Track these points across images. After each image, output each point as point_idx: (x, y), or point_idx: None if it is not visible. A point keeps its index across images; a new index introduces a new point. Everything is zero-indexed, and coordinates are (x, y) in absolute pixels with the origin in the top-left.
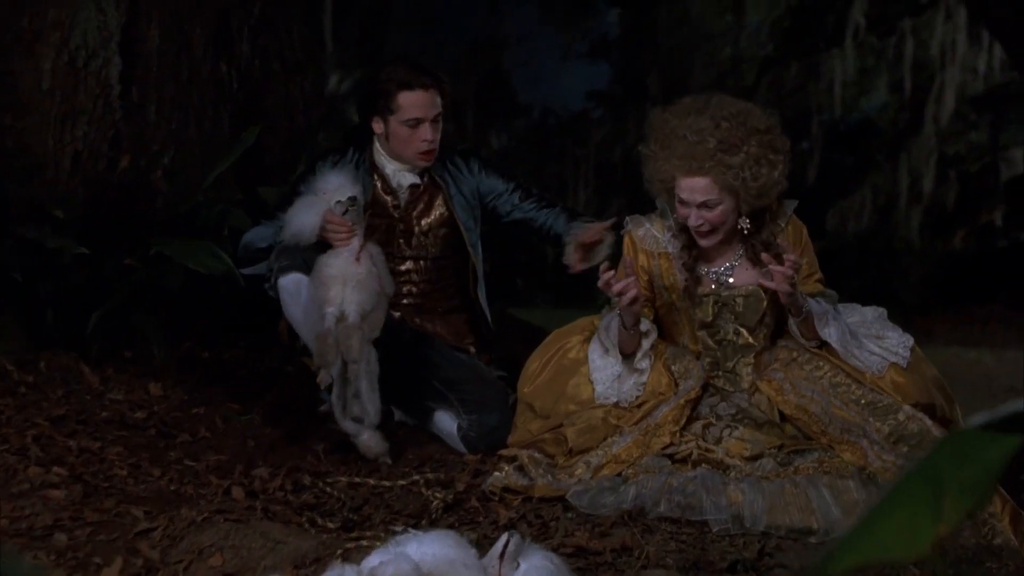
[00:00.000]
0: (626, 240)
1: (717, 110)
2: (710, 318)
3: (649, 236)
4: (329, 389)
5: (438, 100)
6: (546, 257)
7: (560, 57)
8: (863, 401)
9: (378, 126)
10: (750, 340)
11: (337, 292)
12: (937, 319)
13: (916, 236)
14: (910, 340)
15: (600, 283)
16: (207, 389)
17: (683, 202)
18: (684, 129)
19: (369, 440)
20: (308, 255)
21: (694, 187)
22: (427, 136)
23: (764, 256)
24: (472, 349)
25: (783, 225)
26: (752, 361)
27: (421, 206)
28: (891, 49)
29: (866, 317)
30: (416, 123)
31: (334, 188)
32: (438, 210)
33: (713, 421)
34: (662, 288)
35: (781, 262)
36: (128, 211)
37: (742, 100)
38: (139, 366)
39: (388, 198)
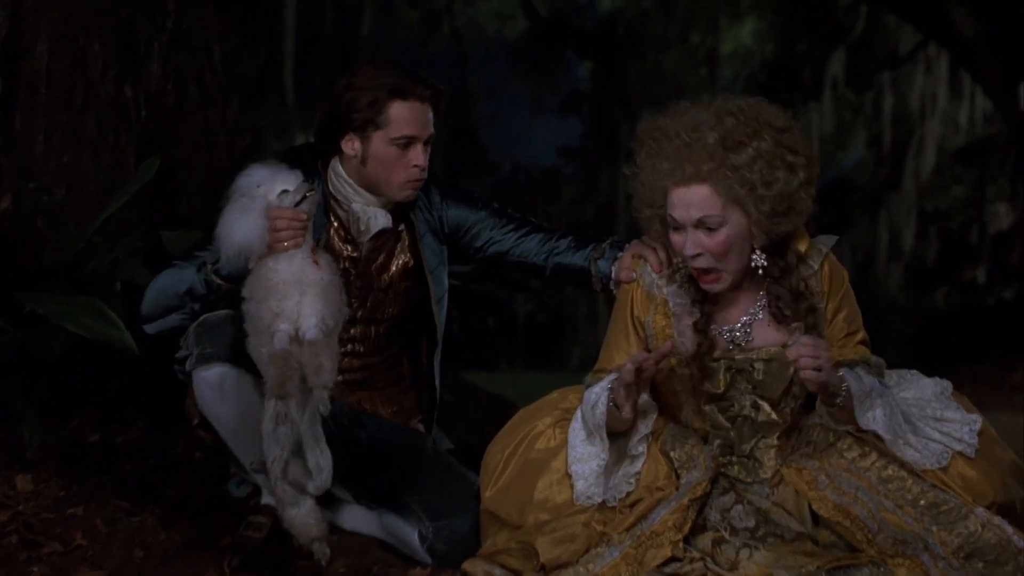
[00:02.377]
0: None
1: (721, 104)
2: (721, 389)
3: (647, 276)
4: (247, 475)
5: (432, 117)
6: (515, 314)
7: (530, 112)
8: (922, 502)
9: (352, 146)
10: (772, 416)
11: (293, 303)
12: None
13: (898, 293)
14: (978, 421)
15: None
16: (91, 482)
17: (676, 226)
18: (678, 127)
19: (308, 516)
20: (239, 335)
21: (688, 199)
22: (419, 160)
23: (790, 323)
24: (422, 428)
25: (815, 267)
26: (776, 443)
27: (383, 256)
28: (869, 103)
29: (925, 393)
30: (408, 143)
31: (267, 179)
32: (401, 258)
33: (726, 536)
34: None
35: (814, 321)
36: (4, 261)
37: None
38: (5, 453)
39: (344, 247)
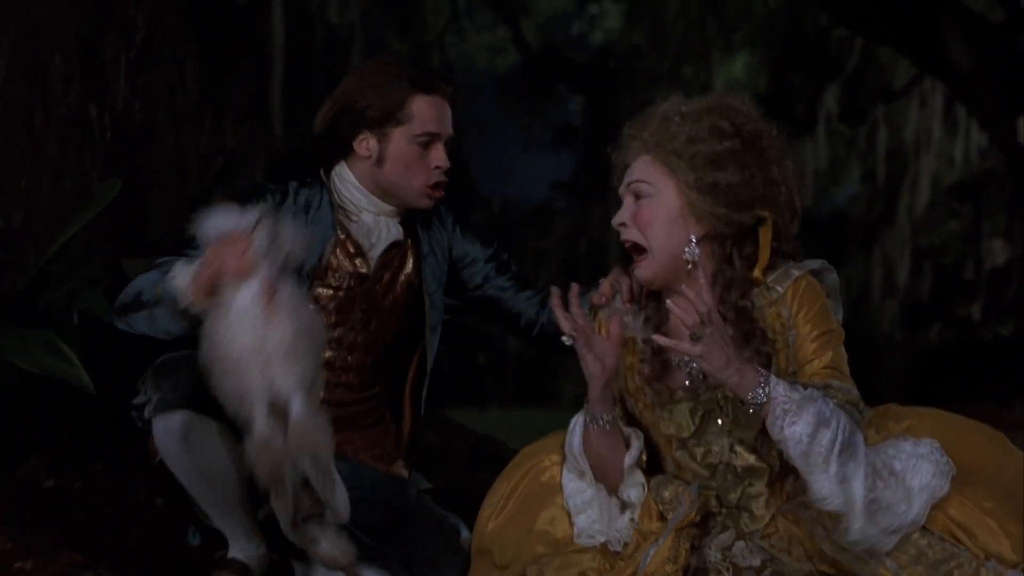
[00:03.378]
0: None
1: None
2: (688, 433)
3: (614, 305)
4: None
5: (451, 113)
6: (507, 350)
7: (521, 146)
8: (929, 556)
9: (366, 145)
10: (752, 460)
11: (257, 377)
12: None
13: (894, 329)
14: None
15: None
16: (42, 532)
17: (621, 198)
18: (642, 117)
19: (333, 547)
20: (201, 377)
21: (630, 170)
22: (441, 161)
23: (668, 303)
24: (405, 473)
25: (781, 291)
26: (765, 491)
27: (388, 274)
28: (863, 137)
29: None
30: (430, 141)
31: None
32: (402, 275)
33: None
34: (625, 394)
35: (757, 348)
36: None
37: None
38: None
39: (352, 263)
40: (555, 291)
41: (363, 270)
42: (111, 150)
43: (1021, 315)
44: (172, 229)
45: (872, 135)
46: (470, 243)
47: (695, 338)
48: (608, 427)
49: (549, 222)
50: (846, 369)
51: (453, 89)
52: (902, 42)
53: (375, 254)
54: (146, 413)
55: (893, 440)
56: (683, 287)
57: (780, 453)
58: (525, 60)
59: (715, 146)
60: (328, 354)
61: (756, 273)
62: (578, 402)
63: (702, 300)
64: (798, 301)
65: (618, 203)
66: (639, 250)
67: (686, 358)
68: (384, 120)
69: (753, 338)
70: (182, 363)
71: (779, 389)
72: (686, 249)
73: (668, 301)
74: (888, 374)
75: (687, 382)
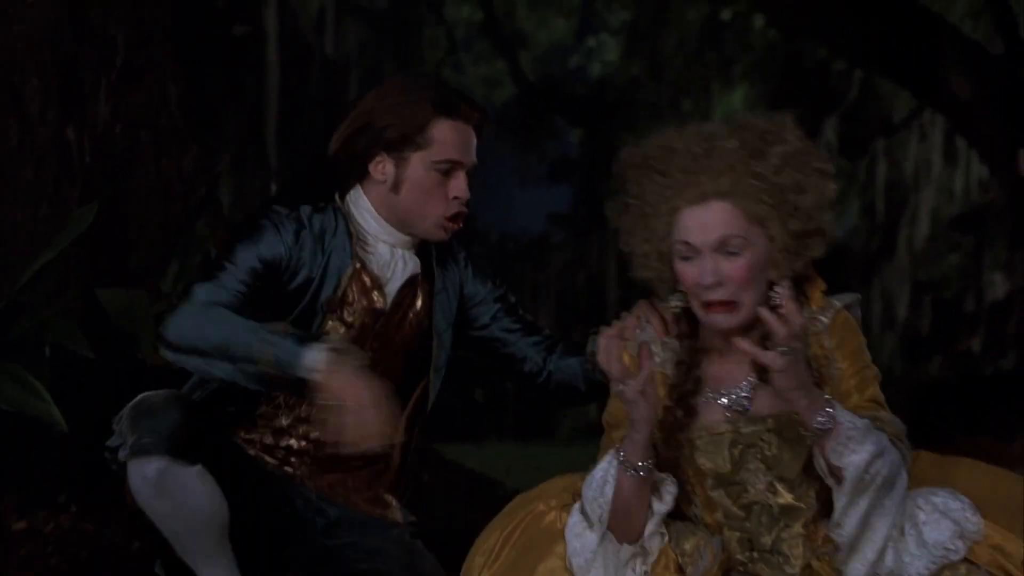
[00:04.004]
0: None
1: (725, 121)
2: (728, 468)
3: (646, 333)
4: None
5: (475, 141)
6: (505, 385)
7: (518, 179)
8: None
9: (382, 169)
10: (791, 499)
11: None
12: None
13: (894, 362)
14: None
15: (602, 353)
16: None
17: (687, 255)
18: (686, 140)
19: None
20: (181, 419)
21: (705, 219)
22: (461, 191)
23: (762, 312)
24: (399, 517)
25: (827, 322)
26: (803, 532)
27: (401, 312)
28: (863, 170)
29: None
30: (451, 168)
31: None
32: (412, 312)
33: None
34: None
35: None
36: None
37: None
38: None
39: (368, 297)
40: (607, 333)
41: (379, 305)
42: (90, 175)
43: (1022, 348)
44: (154, 258)
45: (872, 168)
46: (481, 282)
47: (783, 352)
48: (644, 474)
49: (547, 255)
50: (885, 404)
51: (480, 115)
52: (902, 74)
53: (392, 288)
54: (120, 456)
55: (928, 489)
56: (776, 300)
57: (818, 494)
58: (522, 93)
59: (818, 194)
60: None
61: (814, 303)
62: (575, 438)
63: (797, 315)
64: (839, 335)
65: (608, 239)
66: (727, 305)
67: (722, 392)
68: (403, 143)
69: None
70: (161, 404)
71: (844, 415)
72: (772, 294)
73: (737, 340)
74: (888, 408)
75: (727, 414)
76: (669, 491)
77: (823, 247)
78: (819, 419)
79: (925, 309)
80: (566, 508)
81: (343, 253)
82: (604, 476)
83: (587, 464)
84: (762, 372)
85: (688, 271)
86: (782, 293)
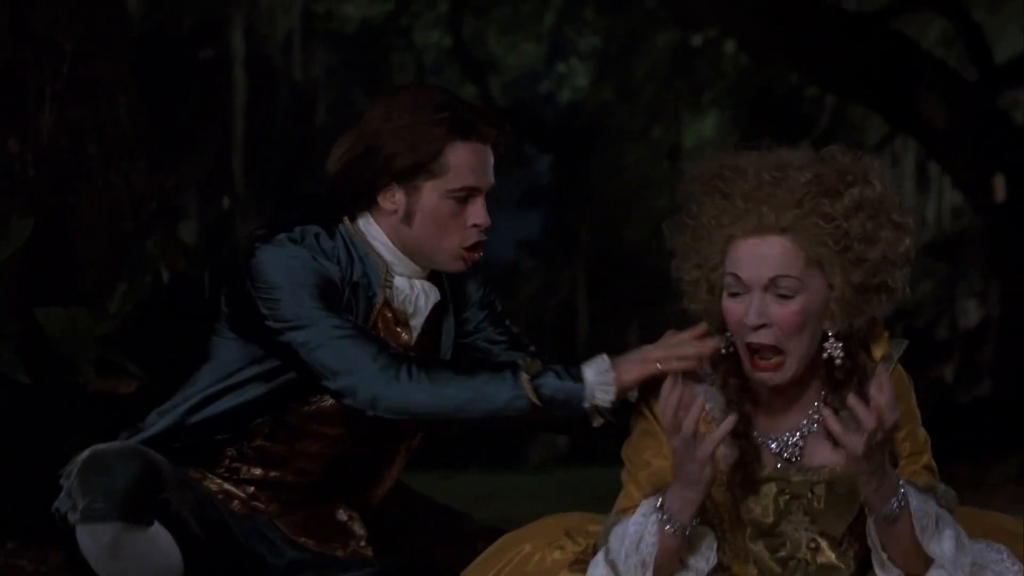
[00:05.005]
0: None
1: (810, 152)
2: (771, 519)
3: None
4: None
5: (492, 160)
6: None
7: (488, 205)
8: None
9: (392, 198)
10: (832, 559)
11: None
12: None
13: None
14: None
15: (668, 405)
16: None
17: (736, 291)
18: (758, 164)
19: None
20: (137, 476)
21: (761, 254)
22: (480, 218)
23: (851, 400)
24: (368, 554)
25: (889, 370)
26: None
27: (426, 343)
28: None
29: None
30: (468, 195)
31: None
32: (431, 343)
33: None
34: None
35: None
36: None
37: None
38: None
39: (393, 332)
40: (671, 382)
41: (404, 339)
42: (34, 189)
43: (996, 376)
44: (103, 278)
45: None
46: (470, 281)
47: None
48: (688, 533)
49: (516, 283)
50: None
51: (499, 132)
52: (875, 100)
53: (417, 323)
54: (71, 520)
55: (971, 541)
56: (829, 353)
57: (857, 553)
58: None
59: (889, 248)
60: (336, 430)
61: (878, 355)
62: (543, 467)
63: (891, 410)
64: (897, 390)
65: (578, 266)
66: (772, 351)
67: (772, 438)
68: (415, 171)
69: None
70: (116, 461)
71: (916, 499)
72: (827, 347)
73: (827, 414)
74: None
75: (778, 464)
76: (710, 546)
77: (888, 305)
78: (890, 506)
79: (898, 337)
80: (554, 546)
81: (374, 283)
82: (641, 531)
83: (557, 494)
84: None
85: (734, 308)
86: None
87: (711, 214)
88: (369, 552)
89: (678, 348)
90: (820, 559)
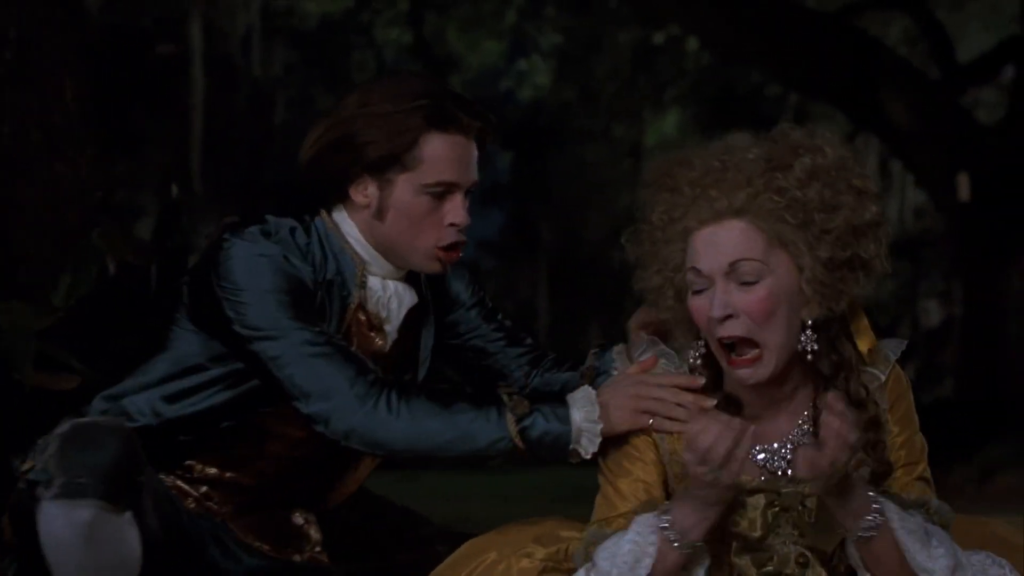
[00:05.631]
0: None
1: (758, 136)
2: (759, 532)
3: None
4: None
5: (476, 158)
6: None
7: None
8: None
9: (364, 191)
10: (823, 575)
11: None
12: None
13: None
14: None
15: (717, 439)
16: None
17: (699, 287)
18: (705, 153)
19: None
20: (122, 454)
21: (717, 240)
22: (458, 217)
23: (830, 397)
24: (325, 559)
25: (883, 377)
26: None
27: (401, 350)
28: None
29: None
30: (445, 191)
31: None
32: (408, 350)
33: None
34: (674, 482)
35: (877, 440)
36: None
37: None
38: None
39: (368, 337)
40: (708, 402)
41: (378, 346)
42: None
43: (958, 377)
44: (48, 271)
45: None
46: (457, 279)
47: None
48: (691, 551)
49: (476, 280)
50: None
51: (483, 123)
52: (838, 97)
53: (392, 328)
54: (43, 495)
55: (964, 553)
56: (827, 407)
57: (847, 570)
58: None
59: (852, 214)
60: (300, 432)
61: (864, 348)
62: (501, 466)
63: (850, 428)
64: (894, 394)
65: (538, 265)
66: (747, 345)
67: (758, 449)
68: (386, 163)
69: (870, 429)
70: (104, 435)
71: (894, 518)
72: (802, 338)
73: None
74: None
75: (762, 476)
76: (703, 564)
77: (867, 283)
78: (864, 524)
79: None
80: (523, 555)
81: (348, 282)
82: (638, 551)
83: (518, 495)
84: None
85: (699, 305)
86: (809, 337)
87: (662, 210)
88: (325, 558)
89: (674, 396)
90: (809, 574)
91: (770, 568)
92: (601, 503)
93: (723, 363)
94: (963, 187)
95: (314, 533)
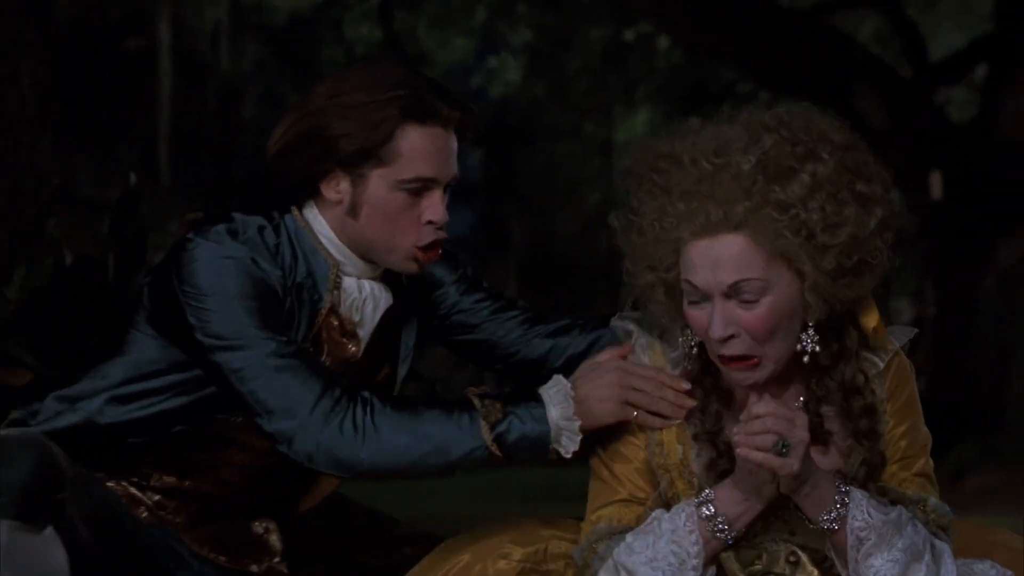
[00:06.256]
0: None
1: (754, 117)
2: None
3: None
4: None
5: (456, 150)
6: None
7: None
8: None
9: (336, 187)
10: (813, 574)
11: None
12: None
13: None
14: None
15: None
16: None
17: (696, 298)
18: (695, 152)
19: None
20: (42, 469)
21: (715, 257)
22: (437, 214)
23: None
24: (284, 569)
25: (882, 364)
26: None
27: (376, 357)
28: None
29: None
30: (423, 187)
31: None
32: (385, 356)
33: None
34: (661, 472)
35: (870, 428)
36: None
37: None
38: None
39: (340, 344)
40: (689, 401)
41: (351, 353)
42: None
43: (929, 377)
44: (2, 265)
45: None
46: (438, 263)
47: (780, 451)
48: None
49: None
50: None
51: (463, 113)
52: (810, 95)
53: (365, 332)
54: None
55: (964, 561)
56: (753, 401)
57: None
58: None
59: (859, 227)
60: (265, 443)
61: (871, 326)
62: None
63: (785, 411)
64: (894, 382)
65: (508, 262)
66: (746, 359)
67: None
68: (360, 157)
69: (863, 416)
70: (15, 450)
71: (857, 513)
72: (802, 339)
73: (736, 432)
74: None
75: None
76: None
77: (873, 281)
78: (826, 517)
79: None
80: (500, 557)
81: (321, 284)
82: (682, 552)
83: (486, 493)
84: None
85: (697, 316)
86: (809, 337)
87: (653, 216)
88: (284, 568)
89: (658, 389)
90: (799, 574)
91: (758, 566)
92: (598, 489)
93: (718, 364)
94: (935, 186)
95: (275, 542)
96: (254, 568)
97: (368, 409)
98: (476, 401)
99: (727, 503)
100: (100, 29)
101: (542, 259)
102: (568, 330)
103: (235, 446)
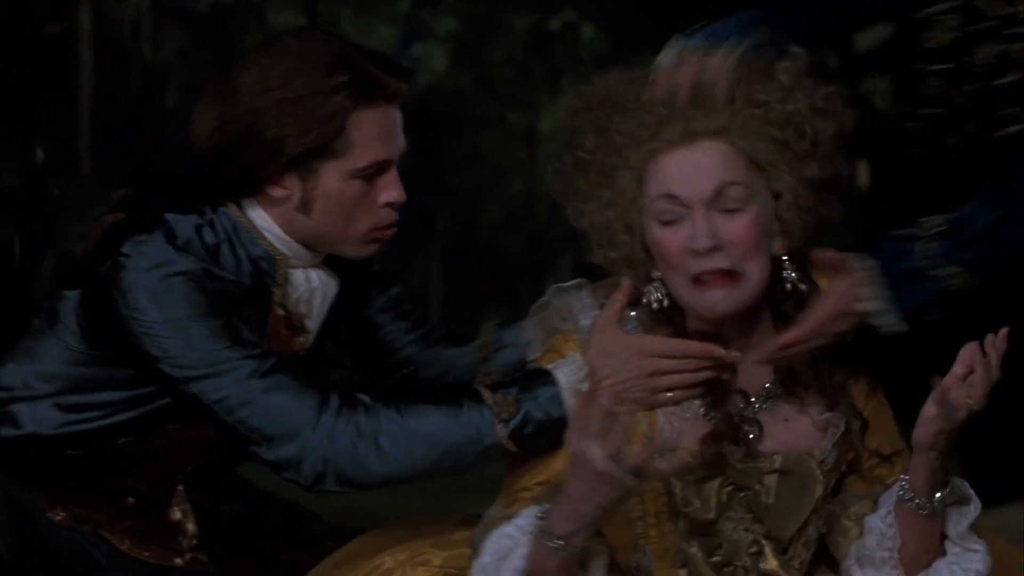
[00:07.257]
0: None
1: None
2: (712, 513)
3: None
4: None
5: (401, 119)
6: None
7: None
8: None
9: (283, 187)
10: (775, 566)
11: None
12: None
13: None
14: None
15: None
16: None
17: (669, 217)
18: (670, 74)
19: None
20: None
21: (696, 165)
22: (394, 194)
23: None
24: (206, 560)
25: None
26: None
27: (322, 347)
28: None
29: None
30: (378, 170)
31: None
32: (329, 346)
33: None
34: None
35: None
36: None
37: None
38: None
39: (291, 340)
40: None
41: (301, 341)
42: None
43: None
44: None
45: None
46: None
47: (974, 407)
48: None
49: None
50: None
51: (407, 85)
52: None
53: (314, 323)
54: None
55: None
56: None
57: (803, 563)
58: None
59: (839, 122)
60: (210, 433)
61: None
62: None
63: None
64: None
65: (432, 254)
66: (726, 276)
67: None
68: (311, 155)
69: (834, 374)
70: None
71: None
72: (785, 272)
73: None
74: None
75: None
76: (600, 560)
77: (839, 207)
78: (936, 498)
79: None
80: (419, 564)
81: (261, 283)
82: (510, 543)
83: (409, 486)
84: (777, 387)
85: (671, 238)
86: (792, 269)
87: (624, 131)
88: (204, 557)
89: (694, 364)
90: (762, 565)
91: (718, 557)
92: (521, 467)
93: (690, 300)
94: (862, 175)
95: (190, 525)
96: (178, 561)
97: (371, 415)
98: (486, 394)
99: (559, 515)
100: (20, 14)
101: (466, 248)
102: (459, 341)
103: (181, 442)
